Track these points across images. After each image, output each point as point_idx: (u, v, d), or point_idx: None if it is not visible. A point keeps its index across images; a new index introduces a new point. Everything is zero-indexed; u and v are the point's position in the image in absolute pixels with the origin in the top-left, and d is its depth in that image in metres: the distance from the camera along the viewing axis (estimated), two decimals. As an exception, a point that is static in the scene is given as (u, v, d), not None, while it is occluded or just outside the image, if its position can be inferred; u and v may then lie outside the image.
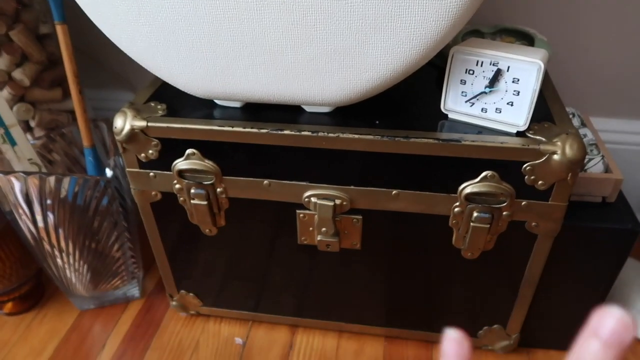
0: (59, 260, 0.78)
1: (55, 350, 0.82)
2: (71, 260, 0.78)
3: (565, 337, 0.78)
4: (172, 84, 0.62)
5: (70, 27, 0.77)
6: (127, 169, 0.67)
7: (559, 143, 0.55)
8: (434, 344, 0.81)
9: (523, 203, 0.60)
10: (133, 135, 0.62)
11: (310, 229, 0.68)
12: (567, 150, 0.55)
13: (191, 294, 0.82)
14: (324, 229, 0.66)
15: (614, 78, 0.88)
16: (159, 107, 0.64)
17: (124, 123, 0.62)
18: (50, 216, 0.72)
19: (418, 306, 0.76)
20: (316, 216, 0.66)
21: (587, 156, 0.67)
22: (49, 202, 0.72)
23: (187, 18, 0.54)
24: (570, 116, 0.77)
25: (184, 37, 0.55)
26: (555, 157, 0.55)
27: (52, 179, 0.70)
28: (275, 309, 0.82)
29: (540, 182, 0.58)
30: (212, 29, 0.54)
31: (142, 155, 0.65)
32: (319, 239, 0.68)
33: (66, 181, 0.70)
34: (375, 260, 0.71)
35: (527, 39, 0.72)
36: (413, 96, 0.66)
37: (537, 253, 0.65)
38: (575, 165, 0.55)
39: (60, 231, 0.74)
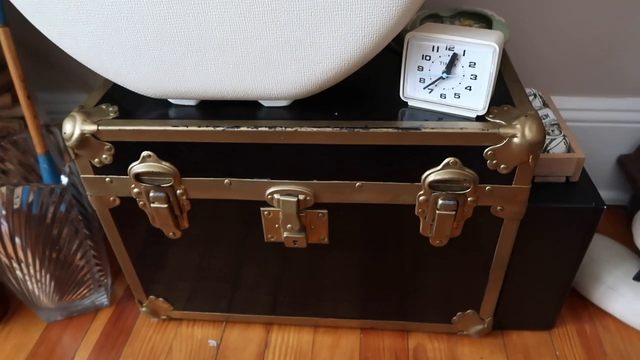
0: (18, 272, 0.75)
1: (23, 365, 0.79)
2: (32, 271, 0.75)
3: (537, 317, 0.79)
4: (121, 85, 0.59)
5: (17, 28, 0.73)
6: (82, 175, 0.64)
7: (518, 126, 0.55)
8: (409, 332, 0.81)
9: (487, 188, 0.60)
10: (84, 140, 0.60)
11: (276, 226, 0.67)
12: (527, 132, 0.54)
13: (161, 299, 0.80)
14: (289, 225, 0.65)
15: (575, 56, 0.88)
16: (110, 109, 0.62)
17: (73, 128, 0.59)
18: (5, 227, 0.70)
19: (391, 296, 0.76)
20: (280, 213, 0.64)
21: (548, 137, 0.67)
22: (3, 212, 0.69)
23: (129, 15, 0.51)
24: (532, 97, 0.76)
25: (128, 35, 0.53)
26: (515, 140, 0.55)
27: (3, 189, 0.67)
28: (248, 308, 0.81)
29: (502, 166, 0.58)
30: (157, 25, 0.52)
31: (96, 160, 0.62)
32: (285, 235, 0.67)
33: (19, 191, 0.67)
34: (345, 253, 0.70)
35: (485, 21, 0.71)
36: (374, 84, 0.65)
37: (504, 236, 0.65)
38: (536, 147, 0.55)
39: (17, 242, 0.71)
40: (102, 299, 0.86)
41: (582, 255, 0.69)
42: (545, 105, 0.75)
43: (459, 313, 0.76)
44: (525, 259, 0.70)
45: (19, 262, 0.74)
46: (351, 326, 0.82)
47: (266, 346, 0.80)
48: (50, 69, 0.98)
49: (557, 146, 0.66)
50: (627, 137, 0.96)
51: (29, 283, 0.77)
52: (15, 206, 0.69)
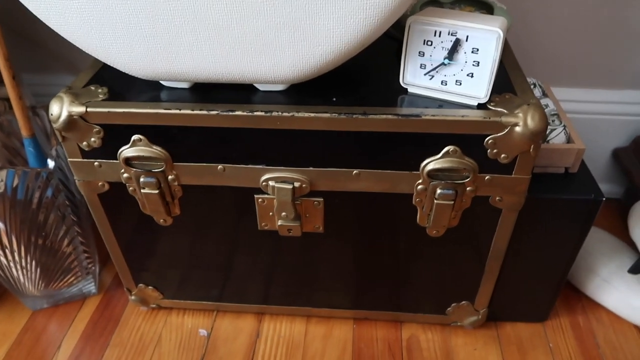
0: (2, 259, 0.73)
1: (7, 354, 0.77)
2: (17, 258, 0.73)
3: (531, 309, 0.78)
4: (111, 65, 0.57)
5: (1, 7, 0.70)
6: (69, 159, 0.62)
7: (520, 114, 0.53)
8: (402, 323, 0.80)
9: (486, 177, 0.59)
10: (71, 122, 0.57)
11: (270, 213, 0.65)
12: (529, 121, 0.53)
13: (150, 287, 0.79)
14: (284, 213, 0.64)
15: (575, 47, 0.87)
16: (99, 90, 0.59)
17: (60, 109, 0.57)
18: (-11, 213, 0.67)
19: (386, 286, 0.75)
20: (275, 200, 0.63)
21: (549, 127, 0.66)
22: (-13, 197, 0.66)
23: (121, -9, 0.49)
24: (532, 86, 0.75)
25: (119, 13, 0.51)
26: (517, 129, 0.54)
27: (-13, 173, 0.64)
28: (239, 297, 0.79)
29: (503, 155, 0.56)
30: (149, 2, 0.49)
31: (84, 143, 0.60)
32: (279, 224, 0.65)
33: (3, 174, 0.65)
34: (340, 242, 0.69)
35: (486, 8, 0.69)
36: (372, 71, 0.63)
37: (502, 227, 0.64)
38: (537, 136, 0.54)
39: (2, 227, 0.69)
40: (90, 286, 0.84)
41: (579, 247, 0.68)
42: (545, 95, 0.74)
43: (453, 304, 0.76)
44: (522, 251, 0.69)
45: (3, 248, 0.71)
46: (344, 316, 0.81)
47: (258, 336, 0.79)
48: (36, 50, 0.95)
49: (557, 136, 0.65)
50: (623, 130, 0.96)
51: (13, 270, 0.75)
52: (0, 190, 0.66)
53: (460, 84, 0.55)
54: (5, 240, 0.70)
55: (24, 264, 0.75)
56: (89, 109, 0.57)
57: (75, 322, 0.82)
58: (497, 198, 0.61)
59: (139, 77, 0.58)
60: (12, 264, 0.74)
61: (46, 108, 0.77)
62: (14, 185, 0.67)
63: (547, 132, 0.66)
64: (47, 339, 0.79)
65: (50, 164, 0.68)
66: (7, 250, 0.72)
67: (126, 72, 0.57)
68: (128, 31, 0.52)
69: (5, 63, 0.66)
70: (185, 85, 0.60)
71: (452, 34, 0.53)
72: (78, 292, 0.84)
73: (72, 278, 0.81)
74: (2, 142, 0.78)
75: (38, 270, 0.76)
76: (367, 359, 0.75)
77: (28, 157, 0.73)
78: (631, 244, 0.87)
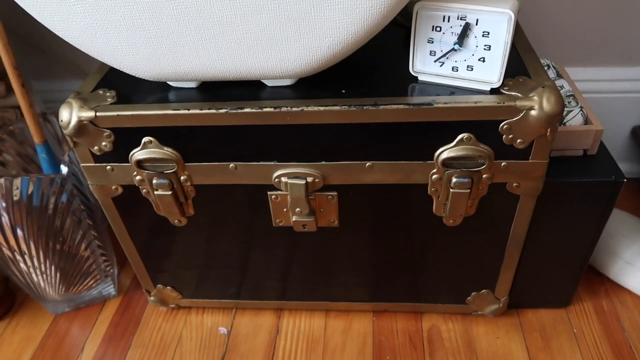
0: (22, 265, 0.73)
1: (32, 358, 0.78)
2: (36, 263, 0.74)
3: (553, 295, 0.77)
4: (118, 68, 0.56)
5: (5, 13, 0.70)
6: (82, 164, 0.62)
7: (535, 97, 0.52)
8: (423, 314, 0.80)
9: (503, 164, 0.57)
10: (81, 127, 0.57)
11: (285, 210, 0.65)
12: (545, 104, 0.52)
13: (169, 288, 0.79)
14: (298, 209, 0.63)
15: (588, 25, 0.85)
16: (107, 94, 0.59)
17: (70, 115, 0.57)
18: (6, 219, 0.68)
19: (404, 278, 0.74)
20: (289, 196, 0.62)
21: (565, 109, 0.64)
22: (3, 204, 0.67)
23: (123, -7, 0.48)
24: (545, 68, 0.74)
25: (123, 15, 0.50)
26: (533, 112, 0.52)
27: (1, 181, 0.65)
28: (258, 294, 0.79)
29: (518, 140, 0.55)
30: (152, 3, 0.49)
31: (95, 148, 0.60)
32: (294, 219, 0.65)
33: (17, 182, 0.65)
34: (356, 236, 0.68)
35: (495, -10, 0.67)
36: (381, 60, 0.62)
37: (520, 214, 0.63)
38: (554, 119, 0.52)
39: (19, 234, 0.70)
40: (109, 289, 0.85)
41: (601, 231, 0.67)
42: (559, 76, 0.72)
43: (473, 293, 0.75)
44: (542, 236, 0.68)
45: (22, 254, 0.72)
46: (363, 309, 0.80)
47: (277, 332, 0.79)
48: (43, 56, 0.95)
49: (574, 118, 0.63)
50: (642, 107, 0.93)
51: (33, 275, 0.76)
52: (15, 198, 0.67)
53: (472, 69, 0.54)
54: (23, 247, 0.71)
55: (43, 269, 0.75)
56: (98, 114, 0.57)
57: (96, 325, 0.82)
58: (515, 184, 0.60)
59: (145, 78, 0.57)
60: (31, 270, 0.75)
61: (56, 114, 0.77)
62: (29, 192, 0.67)
63: (564, 114, 0.64)
64: (70, 342, 0.80)
65: (64, 169, 0.69)
66: (26, 256, 0.73)
67: (133, 75, 0.57)
68: (132, 33, 0.52)
69: (14, 71, 0.66)
70: (192, 84, 0.59)
71: (461, 19, 0.52)
72: (98, 295, 0.85)
73: (92, 281, 0.82)
74: (16, 150, 0.79)
75: (57, 274, 0.77)
76: (388, 351, 0.75)
77: (41, 163, 0.74)
78: (654, 224, 0.85)
